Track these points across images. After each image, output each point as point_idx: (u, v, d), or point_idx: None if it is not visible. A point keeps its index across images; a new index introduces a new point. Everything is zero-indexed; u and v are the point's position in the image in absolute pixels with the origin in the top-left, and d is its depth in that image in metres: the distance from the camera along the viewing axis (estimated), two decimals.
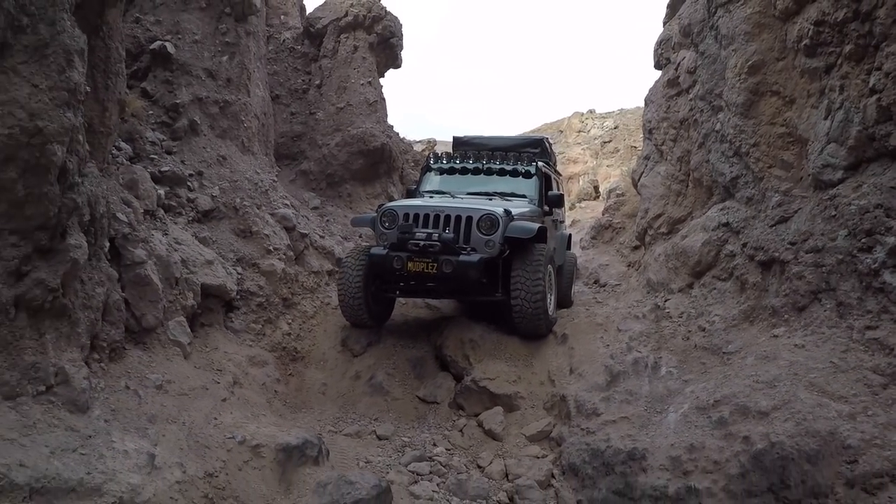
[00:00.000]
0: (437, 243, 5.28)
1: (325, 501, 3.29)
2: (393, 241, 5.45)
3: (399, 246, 5.38)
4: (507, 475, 4.17)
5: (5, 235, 2.59)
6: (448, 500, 3.83)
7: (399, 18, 9.56)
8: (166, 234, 4.90)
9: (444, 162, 6.95)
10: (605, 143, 22.26)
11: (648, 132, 7.50)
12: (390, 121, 9.74)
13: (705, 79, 5.96)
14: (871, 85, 4.27)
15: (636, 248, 8.48)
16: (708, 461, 3.53)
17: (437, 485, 3.97)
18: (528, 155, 7.34)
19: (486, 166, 6.77)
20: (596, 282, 8.77)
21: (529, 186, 6.61)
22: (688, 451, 3.61)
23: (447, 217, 5.48)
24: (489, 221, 5.39)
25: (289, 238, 6.51)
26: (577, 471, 4.02)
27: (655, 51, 7.42)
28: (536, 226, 5.56)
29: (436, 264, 5.24)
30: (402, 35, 9.63)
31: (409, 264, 5.28)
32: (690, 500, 3.45)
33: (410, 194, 7.06)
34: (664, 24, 7.49)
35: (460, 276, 5.22)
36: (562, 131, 25.73)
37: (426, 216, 5.52)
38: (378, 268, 5.51)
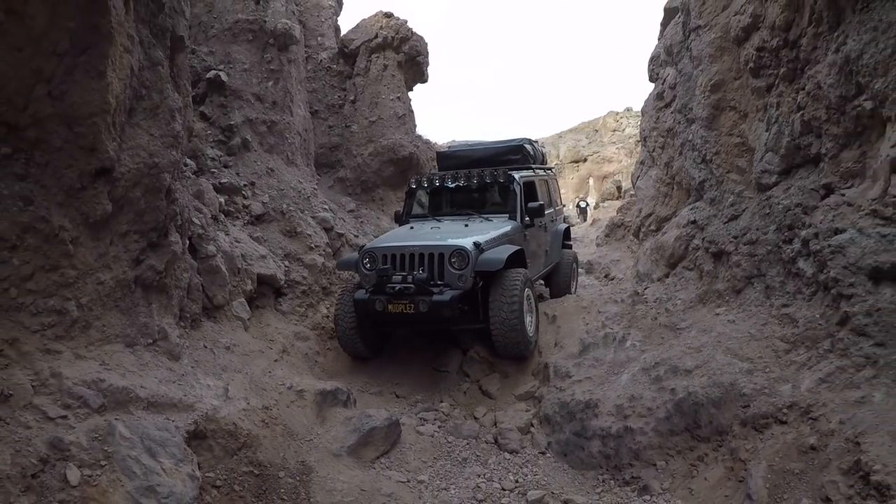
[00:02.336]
0: (412, 285, 5.60)
1: (350, 429, 4.55)
2: (373, 284, 5.81)
3: (379, 289, 5.74)
4: (495, 423, 5.32)
5: (131, 234, 3.94)
6: (445, 438, 5.04)
7: (424, 38, 10.80)
8: (228, 234, 6.27)
9: (426, 185, 7.38)
10: (639, 141, 22.97)
11: (643, 140, 8.49)
12: (421, 127, 10.99)
13: (681, 94, 6.95)
14: (798, 102, 5.23)
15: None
16: (643, 408, 4.59)
17: (438, 427, 5.18)
18: (511, 163, 7.68)
19: (465, 184, 7.12)
20: (606, 276, 9.81)
21: (508, 201, 6.95)
22: (629, 400, 4.69)
23: (420, 256, 5.78)
24: (459, 257, 5.66)
25: (327, 237, 7.83)
26: (549, 420, 5.14)
27: (649, 66, 8.39)
28: (505, 256, 5.77)
29: (413, 305, 5.57)
30: (427, 53, 10.85)
31: (390, 306, 5.63)
32: (627, 437, 4.53)
33: (397, 218, 7.60)
34: (658, 41, 8.45)
35: (436, 315, 5.51)
36: (597, 130, 26.51)
37: (402, 256, 5.84)
38: (362, 311, 5.83)
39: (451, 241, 5.88)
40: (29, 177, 3.42)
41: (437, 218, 7.13)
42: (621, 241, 10.58)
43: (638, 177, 8.43)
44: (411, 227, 6.91)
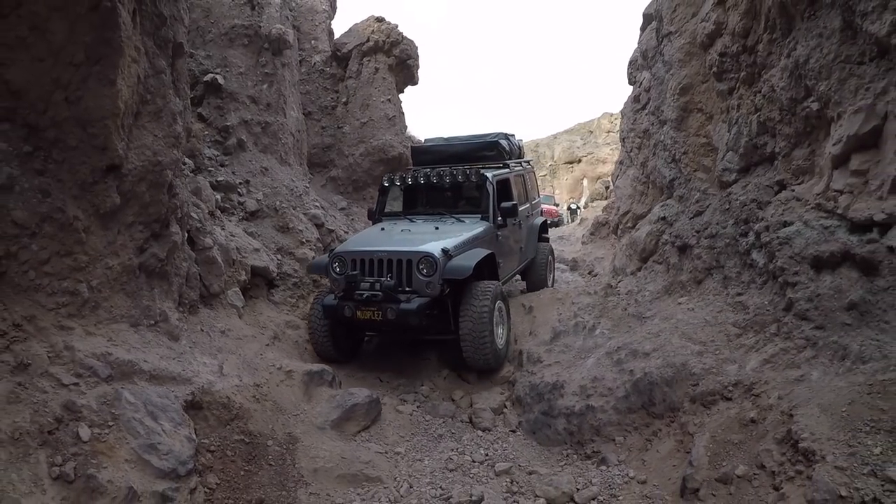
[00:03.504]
0: (379, 293, 5.65)
1: (333, 405, 5.03)
2: (342, 289, 5.86)
3: (347, 295, 5.79)
4: (471, 405, 5.81)
5: (136, 225, 4.43)
6: (423, 417, 5.52)
7: (414, 42, 11.32)
8: (223, 229, 6.76)
9: (398, 183, 7.39)
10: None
11: (622, 140, 9.00)
12: (416, 128, 11.50)
13: (655, 97, 7.45)
14: (755, 104, 5.73)
15: None
16: (604, 388, 5.07)
17: (417, 407, 5.67)
18: (486, 159, 7.74)
19: (438, 183, 7.09)
20: (590, 272, 10.29)
21: (481, 201, 6.98)
22: (592, 381, 5.17)
23: (389, 262, 5.81)
24: (428, 263, 5.68)
25: (318, 233, 8.33)
26: (521, 401, 5.62)
27: (627, 69, 8.90)
28: (473, 263, 5.77)
29: (381, 312, 5.61)
30: (417, 56, 11.37)
31: (358, 313, 5.71)
32: (589, 414, 5.01)
33: (371, 215, 7.64)
34: (637, 45, 8.95)
35: (403, 322, 5.57)
36: (592, 131, 27.07)
37: (370, 261, 5.89)
38: (331, 316, 5.91)
39: (418, 248, 5.86)
40: (47, 172, 3.92)
41: (410, 217, 7.15)
42: (605, 239, 11.07)
43: (617, 176, 8.94)
44: (382, 229, 6.91)
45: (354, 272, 5.91)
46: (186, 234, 5.58)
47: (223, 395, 4.55)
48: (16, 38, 3.55)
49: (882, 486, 3.00)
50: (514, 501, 4.18)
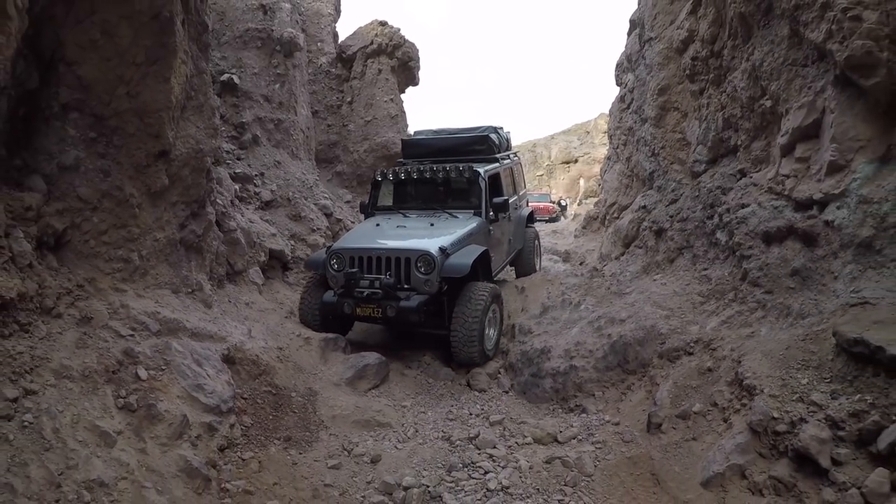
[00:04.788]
0: (379, 290, 5.89)
1: (347, 366, 5.78)
2: (342, 286, 6.05)
3: (347, 292, 6.01)
4: (468, 371, 6.56)
5: (179, 204, 5.19)
6: (426, 380, 6.26)
7: (416, 45, 12.13)
8: (243, 216, 7.53)
9: (391, 177, 7.50)
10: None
11: (609, 138, 9.81)
12: (417, 126, 12.29)
13: (637, 97, 8.24)
14: (721, 102, 6.52)
15: None
16: (586, 350, 5.84)
17: (420, 371, 6.41)
18: (476, 153, 7.94)
19: (430, 177, 7.27)
20: (581, 263, 11.05)
21: (473, 195, 7.22)
22: (575, 345, 5.93)
23: (388, 259, 6.04)
24: (426, 262, 5.91)
25: (328, 221, 9.09)
26: (513, 367, 6.37)
27: (615, 71, 9.71)
28: (471, 261, 6.01)
29: (380, 309, 5.87)
30: (418, 58, 12.18)
31: (358, 310, 5.97)
32: (572, 373, 5.76)
33: (363, 209, 7.80)
34: (623, 49, 9.77)
35: (402, 319, 5.84)
36: (588, 132, 27.92)
37: (369, 259, 6.11)
38: (331, 312, 6.14)
39: (417, 245, 6.08)
40: (108, 155, 4.68)
41: (403, 212, 7.35)
42: (597, 232, 11.82)
43: (605, 171, 9.73)
44: (377, 224, 7.05)
45: (353, 269, 6.10)
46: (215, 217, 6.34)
47: (252, 353, 5.31)
48: (89, 41, 4.32)
49: (807, 408, 3.74)
50: (505, 440, 4.93)
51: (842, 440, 3.50)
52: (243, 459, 4.28)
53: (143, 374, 4.32)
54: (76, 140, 4.57)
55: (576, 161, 26.74)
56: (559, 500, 3.98)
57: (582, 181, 24.93)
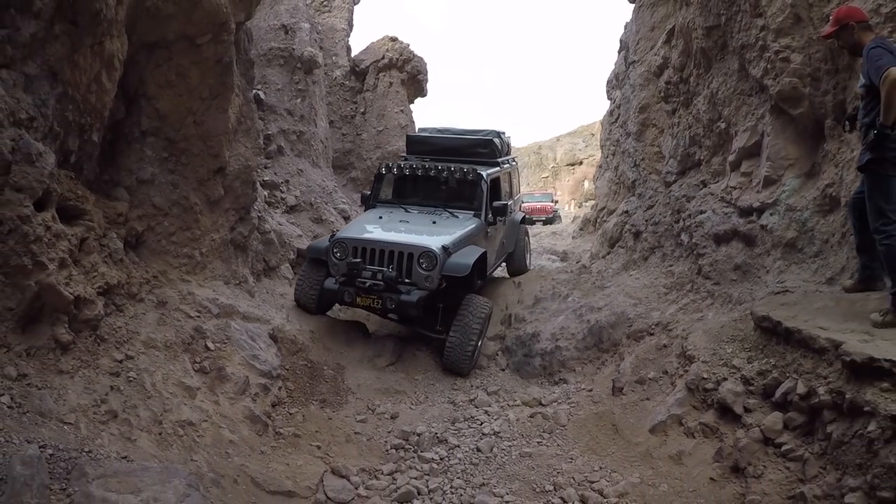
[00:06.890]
0: (381, 282, 6.16)
1: (368, 347, 7.04)
2: (343, 274, 6.33)
3: (349, 281, 6.29)
4: None
5: (231, 210, 6.47)
6: (434, 359, 7.50)
7: (424, 59, 13.39)
8: (273, 219, 8.81)
9: (395, 171, 7.81)
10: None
11: (601, 148, 11.04)
12: (422, 123, 13.52)
13: (623, 112, 9.47)
14: (688, 122, 7.74)
15: None
16: (569, 334, 7.07)
17: (430, 352, 7.66)
18: (479, 156, 8.30)
19: (434, 175, 7.60)
20: (578, 262, 12.29)
21: (475, 197, 7.56)
22: (560, 330, 7.17)
23: (391, 253, 6.31)
24: (428, 258, 6.19)
25: (346, 223, 10.35)
26: (509, 349, 7.59)
27: (606, 87, 10.94)
28: (472, 261, 6.28)
29: (381, 301, 6.17)
30: (427, 72, 13.44)
31: (358, 299, 6.30)
32: (556, 353, 6.98)
33: (365, 200, 8.04)
34: (614, 67, 10.99)
35: (401, 312, 6.17)
36: (593, 134, 28.99)
37: (372, 251, 6.38)
38: (331, 299, 6.54)
39: (420, 241, 6.37)
40: (177, 171, 5.97)
41: (404, 207, 7.58)
42: (592, 233, 13.04)
43: (597, 178, 10.96)
44: (380, 217, 7.33)
45: (356, 260, 6.40)
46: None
47: (291, 333, 6.59)
48: (166, 81, 5.60)
49: (729, 370, 4.93)
50: (499, 402, 6.18)
51: (751, 393, 4.68)
52: (290, 413, 5.55)
53: (210, 346, 5.59)
54: (152, 159, 5.85)
55: (580, 163, 27.92)
56: (538, 442, 5.23)
57: (586, 183, 26.06)
